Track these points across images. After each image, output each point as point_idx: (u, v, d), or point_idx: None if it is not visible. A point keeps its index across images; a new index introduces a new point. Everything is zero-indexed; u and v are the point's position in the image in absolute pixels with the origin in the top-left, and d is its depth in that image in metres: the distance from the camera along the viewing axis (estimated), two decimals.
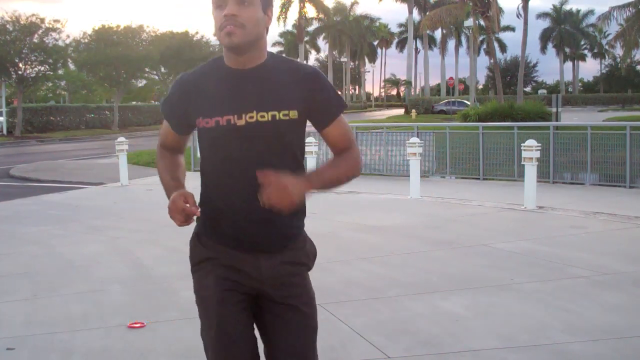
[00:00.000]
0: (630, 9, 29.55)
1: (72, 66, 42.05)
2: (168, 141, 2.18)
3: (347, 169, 2.04)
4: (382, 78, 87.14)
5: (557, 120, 20.06)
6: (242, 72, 1.96)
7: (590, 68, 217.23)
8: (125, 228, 7.97)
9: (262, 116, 1.93)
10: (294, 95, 1.96)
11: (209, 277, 2.04)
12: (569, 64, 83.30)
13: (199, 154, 14.26)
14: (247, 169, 1.93)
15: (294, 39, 66.97)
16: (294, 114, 1.96)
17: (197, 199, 2.07)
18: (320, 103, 2.01)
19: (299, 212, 2.06)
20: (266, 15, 1.97)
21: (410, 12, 60.95)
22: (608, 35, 62.36)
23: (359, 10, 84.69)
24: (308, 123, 2.07)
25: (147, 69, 43.88)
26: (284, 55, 2.01)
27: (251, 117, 1.93)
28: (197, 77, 2.02)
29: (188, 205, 1.96)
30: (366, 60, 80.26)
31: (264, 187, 1.81)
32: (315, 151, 11.10)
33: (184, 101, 2.03)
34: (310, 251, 2.14)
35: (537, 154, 9.00)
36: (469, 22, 43.70)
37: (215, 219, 2.04)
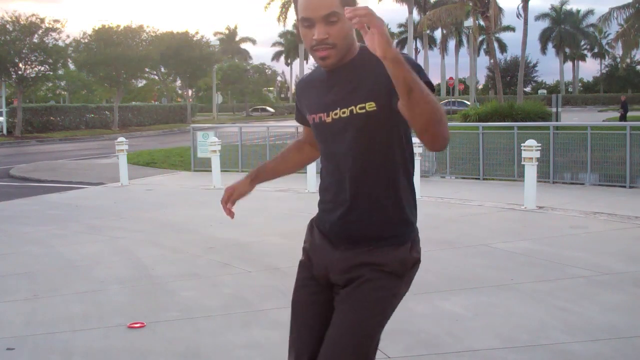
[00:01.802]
0: (630, 9, 29.54)
1: (72, 66, 42.07)
2: (306, 136, 2.37)
3: (433, 97, 1.73)
4: None
5: (557, 120, 20.07)
6: (333, 72, 2.02)
7: (590, 68, 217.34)
8: (125, 228, 7.97)
9: (344, 112, 1.99)
10: (372, 86, 1.93)
11: (302, 259, 2.21)
12: (569, 64, 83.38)
13: (199, 154, 14.14)
14: (339, 163, 2.03)
15: (294, 39, 67.02)
16: (370, 105, 1.93)
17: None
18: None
19: (392, 206, 2.01)
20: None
21: (410, 12, 60.90)
22: (608, 35, 62.52)
23: None
24: None
25: (147, 69, 43.95)
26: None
27: (335, 114, 2.01)
28: (306, 79, 2.21)
29: (226, 202, 2.32)
30: None
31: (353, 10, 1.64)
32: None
33: (300, 100, 2.22)
34: (399, 256, 2.01)
35: (537, 154, 9.00)
36: (469, 22, 43.67)
37: (320, 207, 2.16)
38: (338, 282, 2.06)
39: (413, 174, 2.08)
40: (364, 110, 1.94)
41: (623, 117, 29.44)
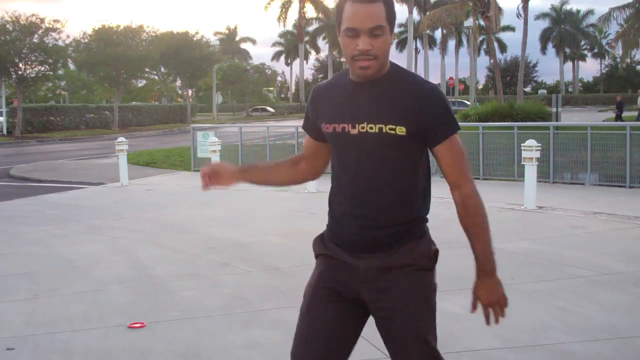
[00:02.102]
0: (630, 9, 29.54)
1: (72, 66, 42.03)
2: (307, 151, 2.31)
3: (483, 229, 2.30)
4: None
5: (557, 120, 20.05)
6: (362, 84, 2.04)
7: (590, 68, 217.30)
8: (125, 228, 7.97)
9: (371, 128, 2.01)
10: (404, 111, 2.00)
11: (317, 270, 2.19)
12: (569, 64, 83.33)
13: (199, 154, 14.13)
14: (359, 176, 2.06)
15: (294, 39, 67.00)
16: (401, 129, 2.00)
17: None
18: (428, 122, 2.01)
19: (406, 214, 2.13)
20: (391, 36, 2.02)
21: (410, 12, 60.88)
22: (608, 35, 62.45)
23: None
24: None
25: (147, 69, 43.92)
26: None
27: (362, 128, 2.02)
28: (325, 87, 2.19)
29: (206, 174, 2.24)
30: None
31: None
32: None
33: (314, 107, 2.19)
34: (422, 252, 2.13)
35: (537, 154, 9.00)
36: (469, 22, 43.69)
37: (334, 219, 2.16)
38: (365, 293, 2.09)
39: (430, 186, 2.26)
40: (393, 132, 1.99)
41: (619, 118, 29.45)
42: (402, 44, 76.31)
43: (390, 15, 1.97)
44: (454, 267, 5.77)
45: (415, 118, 1.98)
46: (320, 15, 54.40)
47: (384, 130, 2.00)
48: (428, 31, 49.55)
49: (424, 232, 2.17)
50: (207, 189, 2.29)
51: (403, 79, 2.04)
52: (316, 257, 2.23)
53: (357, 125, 2.03)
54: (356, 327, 2.15)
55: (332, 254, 2.14)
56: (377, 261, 2.07)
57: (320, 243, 2.21)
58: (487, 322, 2.11)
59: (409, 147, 2.04)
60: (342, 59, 78.83)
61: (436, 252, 2.18)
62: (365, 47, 1.94)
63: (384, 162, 2.04)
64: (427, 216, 2.25)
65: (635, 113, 30.52)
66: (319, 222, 2.27)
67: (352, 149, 2.05)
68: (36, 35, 30.93)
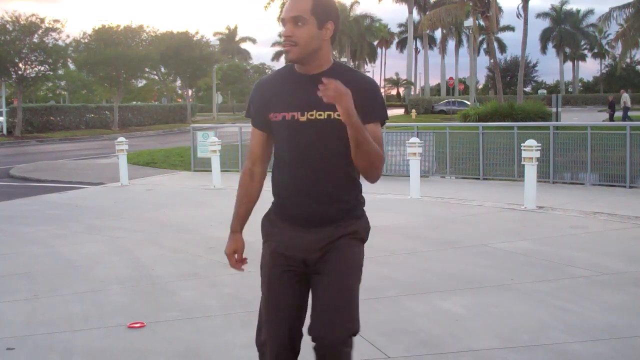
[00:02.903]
0: (630, 9, 29.52)
1: (72, 66, 42.04)
2: (255, 149, 2.52)
3: (377, 149, 2.27)
4: (383, 78, 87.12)
5: (557, 120, 20.06)
6: (307, 77, 2.34)
7: (590, 68, 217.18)
8: (125, 228, 7.97)
9: (320, 114, 2.31)
10: None
11: (268, 251, 2.49)
12: (569, 64, 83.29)
13: (199, 154, 14.12)
14: (308, 158, 2.34)
15: None
16: None
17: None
18: (365, 106, 2.28)
19: (351, 193, 2.43)
20: (324, 29, 2.32)
21: (410, 12, 60.94)
22: (608, 35, 62.47)
23: (358, 10, 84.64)
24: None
25: (147, 69, 43.89)
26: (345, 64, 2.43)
27: (311, 115, 2.32)
28: (271, 80, 2.48)
29: (236, 258, 2.55)
30: (366, 60, 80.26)
31: (326, 85, 2.11)
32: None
33: (260, 99, 2.45)
34: (363, 226, 2.48)
35: (537, 154, 9.00)
36: (469, 22, 43.68)
37: (283, 198, 2.44)
38: (313, 258, 2.39)
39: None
40: (340, 117, 2.21)
41: (612, 117, 29.42)
42: (402, 44, 76.33)
43: (318, 9, 2.28)
44: (454, 267, 5.78)
45: (357, 104, 2.18)
46: None
47: (332, 117, 2.29)
48: (428, 31, 49.51)
49: (363, 212, 2.50)
50: (242, 269, 2.59)
51: (346, 73, 2.35)
52: (266, 236, 2.50)
53: (305, 112, 2.32)
54: (307, 291, 2.47)
55: (281, 231, 2.44)
56: (326, 234, 2.38)
57: (268, 223, 2.50)
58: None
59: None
60: (343, 59, 78.89)
61: (369, 229, 2.54)
62: (287, 33, 2.27)
63: (331, 145, 2.32)
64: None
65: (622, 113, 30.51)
66: None
67: (302, 134, 2.33)
68: (36, 35, 30.91)
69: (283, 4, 53.42)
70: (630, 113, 30.37)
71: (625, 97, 30.15)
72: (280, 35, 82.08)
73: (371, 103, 2.33)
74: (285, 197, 2.43)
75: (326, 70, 2.33)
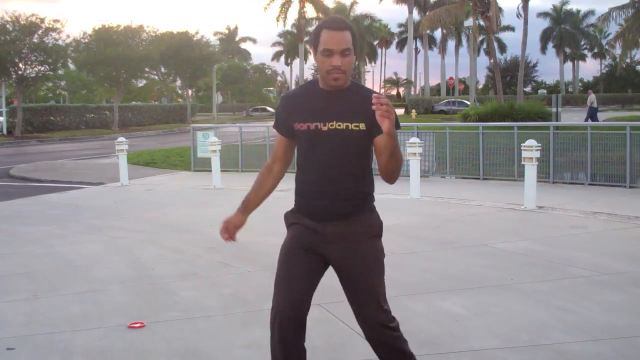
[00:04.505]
0: (630, 9, 29.54)
1: (72, 66, 42.03)
2: (277, 150, 2.88)
3: (402, 155, 2.69)
4: (382, 78, 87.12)
5: (557, 120, 20.06)
6: (331, 93, 2.67)
7: (590, 68, 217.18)
8: (125, 228, 7.97)
9: (339, 125, 2.65)
10: (364, 113, 2.59)
11: (289, 235, 2.81)
12: (569, 64, 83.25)
13: (199, 154, 14.11)
14: (328, 162, 2.67)
15: (294, 39, 66.86)
16: (362, 126, 2.64)
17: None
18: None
19: (364, 190, 2.74)
20: (354, 57, 2.66)
21: (410, 12, 60.89)
22: (608, 35, 62.40)
23: (358, 9, 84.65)
24: None
25: (147, 69, 43.90)
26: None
27: (332, 125, 2.66)
28: (294, 95, 2.82)
29: (229, 231, 2.91)
30: (366, 60, 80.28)
31: (379, 101, 2.41)
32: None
33: (284, 111, 2.78)
34: (376, 219, 2.78)
35: (537, 154, 9.00)
36: (469, 22, 43.65)
37: (305, 196, 2.75)
38: (332, 253, 2.72)
39: (372, 168, 2.80)
40: (357, 128, 2.64)
41: (591, 119, 29.06)
42: (402, 44, 76.30)
43: (355, 40, 2.63)
44: (454, 267, 5.78)
45: (370, 118, 2.52)
46: (320, 15, 54.25)
47: (349, 127, 2.64)
48: (428, 31, 49.50)
49: (374, 207, 2.80)
50: (230, 241, 2.93)
51: (361, 91, 2.70)
52: (289, 226, 2.83)
53: (327, 123, 2.66)
54: (321, 271, 2.78)
55: (303, 222, 2.75)
56: (341, 227, 2.68)
57: (291, 215, 2.82)
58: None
59: (365, 140, 2.67)
60: None
61: (382, 224, 2.82)
62: (338, 64, 2.58)
63: (348, 151, 2.67)
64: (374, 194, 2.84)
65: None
66: None
67: (324, 142, 2.67)
68: (36, 35, 30.92)
69: (283, 4, 53.45)
70: (630, 113, 30.29)
71: (592, 98, 30.11)
72: (280, 36, 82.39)
73: None
74: (307, 195, 2.74)
75: (347, 88, 2.66)
